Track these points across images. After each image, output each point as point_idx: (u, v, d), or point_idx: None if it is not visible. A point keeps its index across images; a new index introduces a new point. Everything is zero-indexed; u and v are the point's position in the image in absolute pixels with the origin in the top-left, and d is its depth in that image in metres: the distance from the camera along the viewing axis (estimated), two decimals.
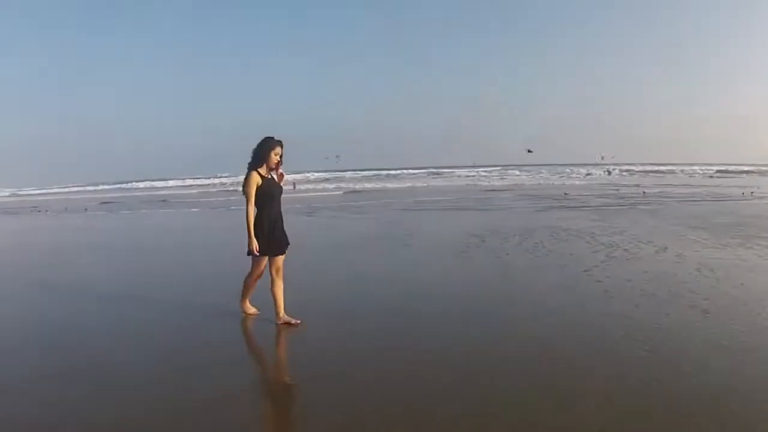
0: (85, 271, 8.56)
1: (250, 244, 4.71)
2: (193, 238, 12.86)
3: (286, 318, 4.93)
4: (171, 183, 52.41)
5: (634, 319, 4.86)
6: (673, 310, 5.09)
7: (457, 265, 7.81)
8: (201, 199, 28.95)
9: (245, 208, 4.73)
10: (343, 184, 41.69)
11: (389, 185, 39.40)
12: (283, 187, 5.01)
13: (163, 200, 29.57)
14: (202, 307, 5.77)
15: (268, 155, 4.78)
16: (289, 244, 4.97)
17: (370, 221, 15.03)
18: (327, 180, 48.73)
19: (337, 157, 41.92)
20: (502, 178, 43.06)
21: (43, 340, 4.92)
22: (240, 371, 4.06)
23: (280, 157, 4.84)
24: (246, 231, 4.73)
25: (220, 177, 51.10)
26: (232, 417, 3.18)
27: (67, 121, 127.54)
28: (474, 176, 47.31)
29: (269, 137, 4.83)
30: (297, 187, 36.65)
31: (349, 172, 57.53)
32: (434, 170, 58.53)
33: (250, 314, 5.24)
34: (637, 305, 5.28)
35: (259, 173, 4.77)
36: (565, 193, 24.07)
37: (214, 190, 40.07)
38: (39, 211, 24.44)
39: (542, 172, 49.03)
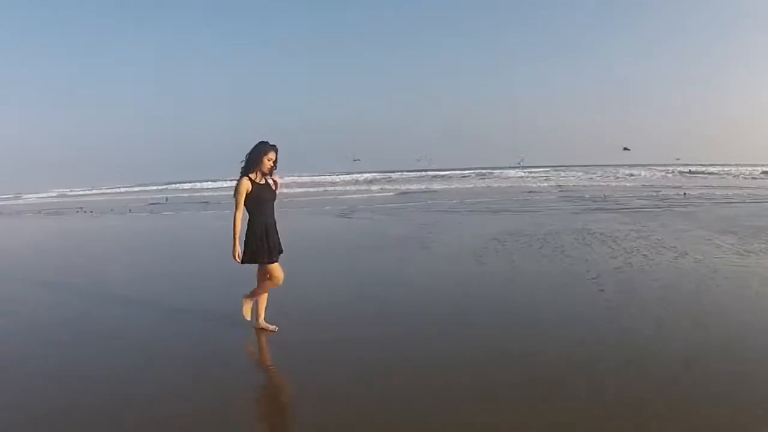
0: (99, 273, 8.74)
1: (233, 251, 4.68)
2: (220, 241, 13.20)
3: (264, 324, 5.00)
4: (219, 184, 53.72)
5: (620, 330, 4.74)
6: (665, 323, 4.91)
7: (464, 269, 7.79)
8: None
9: (233, 213, 4.69)
10: (388, 185, 41.96)
11: (436, 186, 39.35)
12: (277, 193, 4.89)
13: (206, 201, 30.22)
14: (215, 311, 5.76)
15: (261, 160, 4.67)
16: (282, 252, 4.91)
17: (401, 223, 15.10)
18: (376, 180, 49.21)
19: (355, 160, 42.62)
20: (547, 180, 42.13)
21: (45, 341, 5.10)
22: (244, 378, 4.13)
23: (274, 162, 4.75)
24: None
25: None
26: (233, 420, 3.30)
27: (124, 124, 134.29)
28: (521, 177, 46.61)
29: (263, 142, 4.74)
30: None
31: (396, 173, 57.86)
32: (482, 171, 57.90)
33: (243, 315, 5.13)
34: (630, 315, 5.14)
35: (251, 179, 4.68)
36: (605, 195, 23.36)
37: None
38: (85, 212, 25.24)
39: (590, 173, 47.75)
